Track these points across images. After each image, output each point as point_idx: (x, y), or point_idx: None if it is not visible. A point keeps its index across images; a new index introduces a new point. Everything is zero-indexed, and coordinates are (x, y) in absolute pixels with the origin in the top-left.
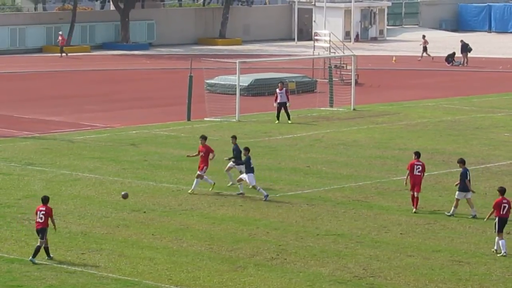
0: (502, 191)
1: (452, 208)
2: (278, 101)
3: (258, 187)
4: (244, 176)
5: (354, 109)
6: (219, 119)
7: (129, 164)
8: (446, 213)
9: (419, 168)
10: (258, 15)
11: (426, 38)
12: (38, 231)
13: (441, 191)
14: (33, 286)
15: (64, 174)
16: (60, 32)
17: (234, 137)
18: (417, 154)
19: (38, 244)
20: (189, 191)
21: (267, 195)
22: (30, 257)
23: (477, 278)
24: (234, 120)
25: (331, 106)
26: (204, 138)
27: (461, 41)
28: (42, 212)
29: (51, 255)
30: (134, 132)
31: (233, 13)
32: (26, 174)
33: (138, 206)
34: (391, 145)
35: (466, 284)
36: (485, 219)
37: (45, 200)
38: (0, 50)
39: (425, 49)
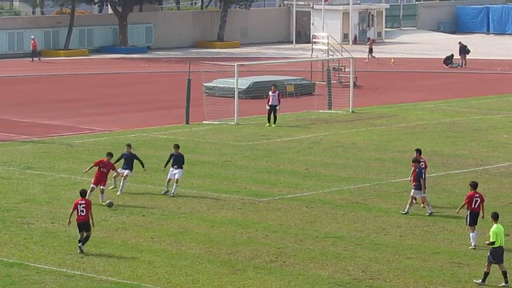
0: (474, 185)
1: (407, 206)
2: (270, 103)
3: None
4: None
5: (352, 112)
6: (218, 122)
7: None
8: (401, 211)
9: (422, 164)
10: (256, 18)
11: (372, 39)
12: (81, 226)
13: (440, 193)
14: None
15: (63, 178)
16: (32, 37)
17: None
18: (419, 151)
19: (86, 235)
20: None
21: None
22: (79, 244)
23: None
24: (233, 123)
25: (330, 109)
26: (110, 155)
27: (459, 42)
28: (83, 205)
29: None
30: (132, 135)
31: (231, 16)
32: (25, 178)
33: (137, 210)
34: (390, 147)
35: (466, 286)
36: (457, 211)
37: (83, 193)
38: None
39: (370, 50)
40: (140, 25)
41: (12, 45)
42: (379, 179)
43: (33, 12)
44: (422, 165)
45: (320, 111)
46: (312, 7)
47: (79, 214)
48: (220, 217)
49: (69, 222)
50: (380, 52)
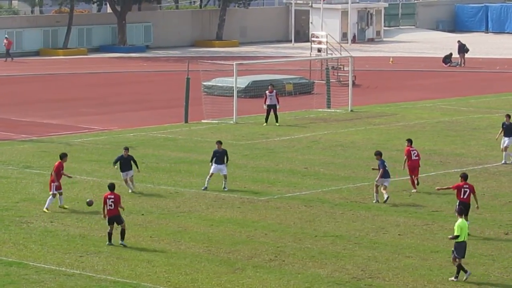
0: (464, 176)
1: (374, 194)
2: (268, 103)
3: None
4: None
5: (351, 111)
6: (217, 121)
7: None
8: (373, 201)
9: (415, 153)
10: (255, 17)
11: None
12: (111, 219)
13: (439, 192)
14: None
15: (62, 177)
16: (6, 36)
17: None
18: (410, 141)
19: (122, 228)
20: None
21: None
22: (120, 241)
23: (475, 279)
24: (232, 122)
25: (329, 108)
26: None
27: (458, 41)
28: (112, 200)
29: (113, 242)
30: (131, 134)
31: (230, 15)
32: (24, 177)
33: (136, 209)
34: (389, 146)
35: (465, 285)
36: (437, 188)
37: (112, 187)
38: None
39: (318, 50)
40: (139, 24)
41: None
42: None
43: (32, 11)
44: (415, 152)
45: (319, 110)
46: (311, 6)
47: (108, 208)
48: (219, 216)
49: (104, 215)
50: (379, 51)
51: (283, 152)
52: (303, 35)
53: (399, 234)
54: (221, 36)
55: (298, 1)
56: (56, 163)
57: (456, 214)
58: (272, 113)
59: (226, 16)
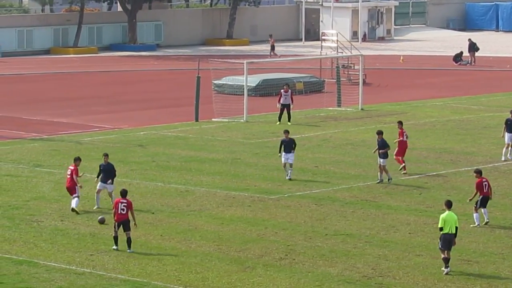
0: (479, 172)
1: (378, 174)
2: (282, 102)
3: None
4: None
5: (362, 109)
6: (227, 120)
7: (137, 165)
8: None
9: (406, 134)
10: (265, 16)
11: (273, 37)
12: (120, 224)
13: (449, 190)
14: None
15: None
16: None
17: (106, 155)
18: (401, 123)
19: (128, 236)
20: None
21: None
22: (128, 250)
23: (485, 277)
24: (242, 120)
25: (339, 106)
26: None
27: (469, 39)
28: (124, 204)
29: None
30: (142, 133)
31: (240, 13)
32: (34, 176)
33: (147, 207)
34: None
35: (475, 283)
36: (468, 200)
37: (124, 193)
38: (8, 52)
39: (272, 47)
40: (149, 22)
41: (21, 42)
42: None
43: (43, 10)
44: (405, 132)
45: (330, 108)
46: (322, 5)
47: (119, 212)
48: (230, 215)
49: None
50: (390, 49)
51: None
52: (313, 34)
53: (409, 233)
54: (232, 34)
55: (309, 0)
56: (74, 167)
57: (445, 207)
58: (285, 112)
59: (236, 14)
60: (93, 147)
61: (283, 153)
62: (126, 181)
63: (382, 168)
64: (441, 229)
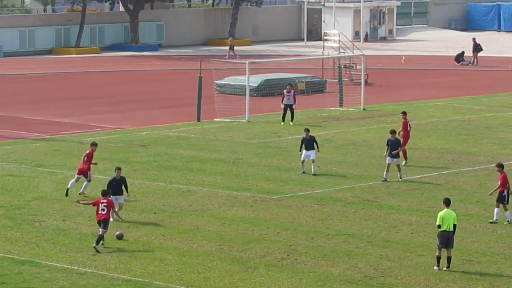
0: (501, 165)
1: (384, 172)
2: (285, 102)
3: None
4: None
5: (364, 109)
6: (229, 120)
7: (139, 165)
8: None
9: (409, 124)
10: (267, 16)
11: (232, 37)
12: (100, 222)
13: (451, 190)
14: None
15: (74, 175)
16: None
17: (119, 169)
18: (405, 113)
19: (100, 233)
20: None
21: None
22: (94, 245)
23: (488, 277)
24: (244, 120)
25: (341, 106)
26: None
27: (473, 39)
28: (104, 204)
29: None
30: (144, 133)
31: (242, 13)
32: (36, 176)
33: (148, 207)
34: None
35: (477, 283)
36: (489, 194)
37: (104, 193)
38: (10, 52)
39: (231, 47)
40: (151, 22)
41: (23, 43)
42: (390, 176)
43: (44, 10)
44: (409, 121)
45: (331, 108)
46: (324, 5)
47: (100, 212)
48: (232, 215)
49: (78, 201)
50: (391, 49)
51: (295, 151)
52: (315, 34)
53: (411, 233)
54: (234, 34)
55: (311, 0)
56: (90, 151)
57: (443, 205)
58: (288, 112)
59: (238, 14)
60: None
61: (304, 151)
62: (128, 181)
63: (396, 167)
64: (439, 226)
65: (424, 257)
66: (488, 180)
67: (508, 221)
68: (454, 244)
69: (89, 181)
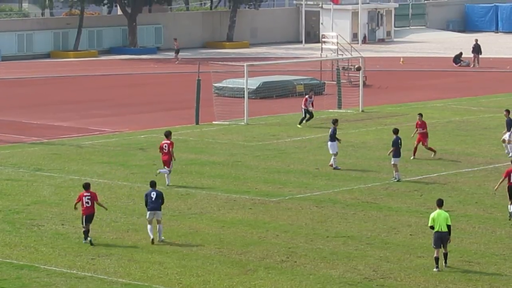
0: None
1: (395, 173)
2: (305, 107)
3: None
4: None
5: (362, 111)
6: (228, 123)
7: (138, 168)
8: (392, 179)
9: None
10: (265, 18)
11: (177, 40)
12: (87, 218)
13: (450, 191)
14: None
15: (73, 179)
16: None
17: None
18: (421, 115)
19: (87, 228)
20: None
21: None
22: (84, 241)
23: (487, 278)
24: (243, 123)
25: (340, 108)
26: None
27: (475, 40)
28: (88, 197)
29: (89, 238)
30: (142, 136)
31: (240, 16)
32: (34, 180)
33: None
34: None
35: (477, 284)
36: (495, 188)
37: (87, 186)
38: (8, 56)
39: (177, 51)
40: (149, 26)
41: (21, 47)
42: (389, 178)
43: (42, 14)
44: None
45: (330, 110)
46: (321, 7)
47: (85, 205)
48: (231, 218)
49: (75, 208)
50: (390, 51)
51: (294, 153)
52: (313, 36)
53: (410, 234)
54: (232, 37)
55: (309, 2)
56: (170, 142)
57: (436, 206)
58: (305, 116)
59: (236, 17)
60: (94, 151)
61: (330, 142)
62: (127, 185)
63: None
64: (431, 227)
65: (423, 258)
66: (487, 181)
67: None
68: (449, 242)
69: (170, 171)
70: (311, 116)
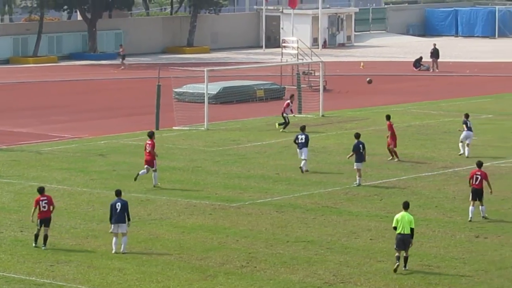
0: (478, 164)
1: (357, 178)
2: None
3: None
4: None
5: (322, 116)
6: (188, 128)
7: (97, 174)
8: (354, 183)
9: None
10: (226, 23)
11: (123, 46)
12: (42, 221)
13: (410, 195)
14: None
15: (33, 186)
16: None
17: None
18: (388, 117)
19: (45, 233)
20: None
21: None
22: (43, 247)
23: (447, 282)
24: (203, 128)
25: (300, 113)
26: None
27: (434, 45)
28: (45, 201)
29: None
30: (102, 142)
31: (200, 21)
32: None
33: (107, 217)
34: None
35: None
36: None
37: (41, 190)
38: None
39: (123, 57)
40: (109, 31)
41: None
42: (349, 182)
43: (2, 20)
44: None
45: (291, 115)
46: (282, 12)
47: (41, 209)
48: (191, 223)
49: (32, 220)
50: (350, 55)
51: (254, 158)
52: (274, 41)
53: (370, 239)
54: (192, 42)
55: (269, 7)
56: (152, 142)
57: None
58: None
59: (196, 22)
60: (53, 157)
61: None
62: (86, 191)
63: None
64: (395, 228)
65: (383, 263)
66: (446, 185)
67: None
68: (411, 245)
69: (155, 170)
70: (288, 123)
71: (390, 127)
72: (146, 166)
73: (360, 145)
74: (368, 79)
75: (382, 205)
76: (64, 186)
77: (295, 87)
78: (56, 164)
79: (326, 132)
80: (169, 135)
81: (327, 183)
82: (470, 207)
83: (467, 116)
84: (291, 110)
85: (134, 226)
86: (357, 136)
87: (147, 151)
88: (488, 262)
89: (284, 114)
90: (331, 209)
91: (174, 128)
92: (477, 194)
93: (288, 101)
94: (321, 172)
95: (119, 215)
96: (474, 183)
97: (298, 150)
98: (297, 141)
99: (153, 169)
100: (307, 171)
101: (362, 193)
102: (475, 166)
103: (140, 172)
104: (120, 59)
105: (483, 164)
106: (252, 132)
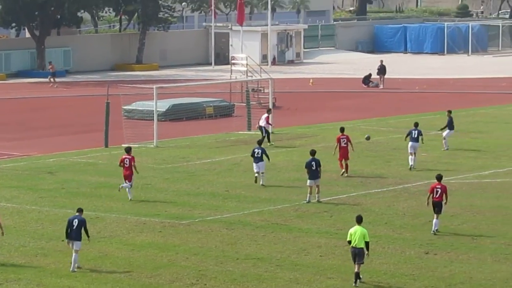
0: (438, 177)
1: (308, 195)
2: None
3: None
4: None
5: (272, 133)
6: (137, 145)
7: (46, 192)
8: (304, 201)
9: (344, 140)
10: (175, 40)
11: (52, 63)
12: None
13: (360, 212)
14: None
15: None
16: None
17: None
18: (342, 129)
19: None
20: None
21: None
22: None
23: None
24: (152, 145)
25: (249, 130)
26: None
27: (381, 61)
28: None
29: None
30: (51, 160)
31: (149, 38)
32: None
33: (57, 235)
34: None
35: None
36: (426, 204)
37: None
38: None
39: (53, 75)
40: (58, 48)
41: None
42: (299, 199)
43: None
44: (345, 140)
45: (240, 132)
46: (231, 29)
47: None
48: (140, 241)
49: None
50: (299, 72)
51: (204, 175)
52: (223, 58)
53: (320, 255)
54: (141, 59)
55: (218, 24)
56: (132, 157)
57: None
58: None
59: (145, 39)
60: (2, 175)
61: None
62: (35, 209)
63: (316, 188)
64: (349, 242)
65: (333, 279)
66: (396, 201)
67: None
68: (364, 260)
69: (131, 185)
70: (267, 134)
71: (338, 140)
72: (126, 181)
73: (313, 162)
74: (366, 136)
75: (332, 221)
76: (13, 204)
77: (245, 104)
78: (4, 182)
79: (275, 149)
80: (118, 153)
81: (276, 200)
82: (434, 220)
83: (416, 125)
84: (267, 122)
85: (83, 244)
86: (312, 153)
87: (126, 165)
88: (437, 279)
89: (264, 127)
90: (281, 226)
91: (123, 145)
92: (437, 207)
93: (267, 114)
94: (271, 189)
95: (75, 231)
96: (435, 196)
97: (254, 164)
98: (254, 155)
99: (130, 183)
100: (263, 185)
101: (312, 210)
102: (435, 180)
103: (123, 185)
104: (49, 77)
105: (443, 178)
106: (202, 149)
